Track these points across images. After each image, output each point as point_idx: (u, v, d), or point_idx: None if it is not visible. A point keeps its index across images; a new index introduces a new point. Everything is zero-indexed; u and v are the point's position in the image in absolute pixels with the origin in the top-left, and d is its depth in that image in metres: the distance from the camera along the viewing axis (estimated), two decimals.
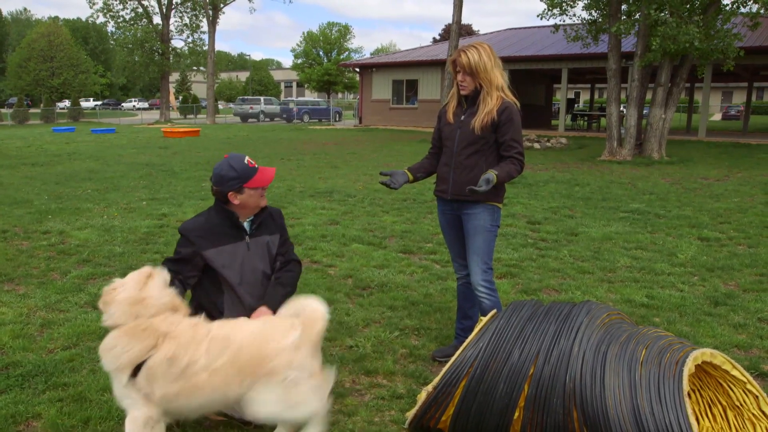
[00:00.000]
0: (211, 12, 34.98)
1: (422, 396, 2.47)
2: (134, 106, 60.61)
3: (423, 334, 3.78)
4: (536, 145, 17.88)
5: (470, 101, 3.22)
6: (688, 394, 2.69)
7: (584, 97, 53.12)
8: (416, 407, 2.48)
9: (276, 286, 2.87)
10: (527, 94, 29.08)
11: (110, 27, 39.31)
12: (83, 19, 60.23)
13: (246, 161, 2.79)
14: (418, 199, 8.54)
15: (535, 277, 4.98)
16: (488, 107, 3.13)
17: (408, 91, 28.78)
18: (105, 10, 35.62)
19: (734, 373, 2.44)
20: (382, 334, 3.74)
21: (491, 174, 2.98)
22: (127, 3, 35.95)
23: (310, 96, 64.32)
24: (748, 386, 2.45)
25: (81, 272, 4.93)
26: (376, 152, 16.25)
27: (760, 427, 2.43)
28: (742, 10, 14.54)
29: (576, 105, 42.31)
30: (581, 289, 4.66)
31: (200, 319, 2.48)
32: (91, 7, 37.41)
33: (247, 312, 2.77)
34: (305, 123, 36.45)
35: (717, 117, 49.21)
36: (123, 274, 4.80)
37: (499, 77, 3.14)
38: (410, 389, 3.03)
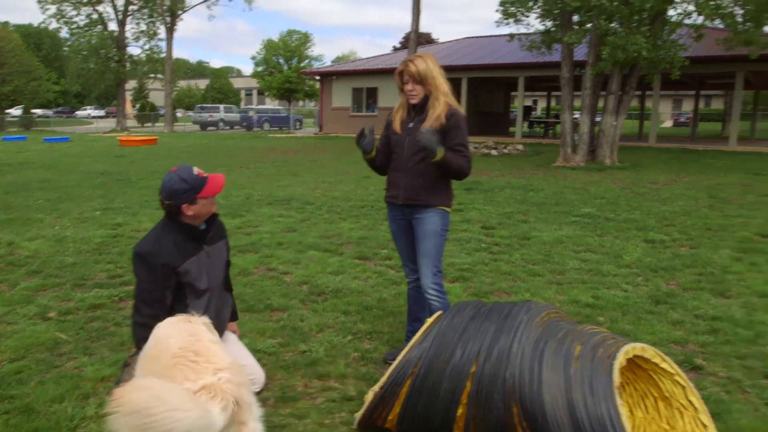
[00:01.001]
0: (168, 19, 34.54)
1: (369, 396, 2.55)
2: (89, 114, 59.22)
3: (375, 337, 3.85)
4: (494, 152, 18.20)
5: (418, 109, 3.33)
6: (623, 387, 2.84)
7: (542, 104, 54.24)
8: (364, 407, 2.55)
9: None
10: (486, 101, 29.55)
11: (64, 33, 38.47)
12: (35, 25, 58.76)
13: (196, 172, 2.82)
14: (376, 206, 8.63)
15: (487, 280, 5.12)
16: (437, 111, 3.24)
17: (368, 99, 28.94)
18: (58, 16, 34.80)
19: (663, 365, 2.59)
20: (335, 338, 3.80)
21: (441, 148, 3.10)
22: (81, 9, 35.21)
23: (271, 104, 63.97)
24: (676, 378, 2.59)
25: (30, 284, 4.85)
26: (335, 160, 16.31)
27: (687, 415, 2.58)
28: (687, 21, 15.14)
29: (533, 112, 43.18)
30: (531, 291, 4.81)
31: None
32: (43, 13, 36.69)
33: (214, 318, 2.84)
34: (265, 131, 36.25)
35: (668, 124, 50.87)
36: (75, 285, 4.79)
37: (444, 84, 3.26)
38: (361, 391, 3.09)
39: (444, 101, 3.25)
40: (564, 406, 2.30)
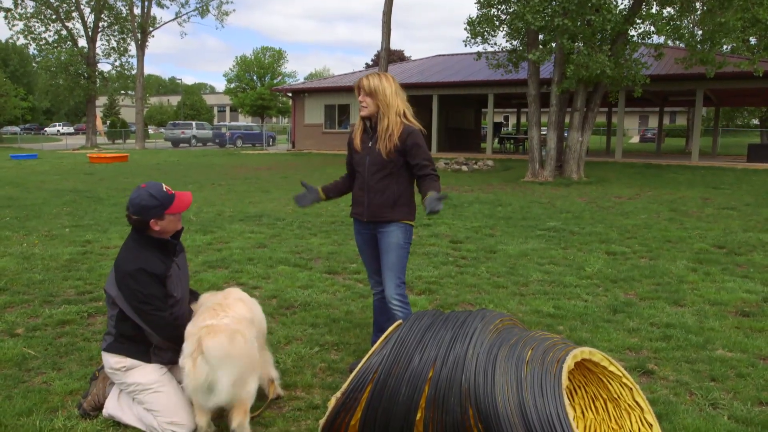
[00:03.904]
0: (139, 35, 34.41)
1: (332, 402, 2.64)
2: (58, 131, 58.41)
3: (342, 348, 3.95)
4: (464, 168, 18.48)
5: (374, 127, 3.46)
6: (575, 390, 2.98)
7: (513, 120, 55.11)
8: (327, 414, 2.64)
9: None
10: (456, 118, 29.98)
11: (32, 49, 37.93)
12: (2, 41, 57.91)
13: (164, 189, 2.92)
14: (346, 221, 8.75)
15: (452, 292, 5.25)
16: (384, 127, 3.36)
17: (340, 116, 29.15)
18: (26, 32, 34.36)
19: (611, 368, 2.74)
20: (303, 350, 3.89)
21: (435, 194, 3.16)
22: (49, 25, 34.81)
23: (244, 120, 63.85)
24: (624, 380, 2.75)
25: None
26: (307, 176, 16.41)
27: (635, 415, 2.73)
28: (647, 41, 15.68)
29: (504, 128, 43.88)
30: (494, 303, 4.96)
31: None
32: (10, 29, 36.17)
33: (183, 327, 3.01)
34: (238, 148, 36.18)
35: (635, 139, 52.08)
36: (43, 302, 4.79)
37: (400, 104, 3.38)
38: (326, 399, 3.19)
39: (397, 120, 3.37)
40: (516, 408, 2.43)
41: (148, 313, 2.83)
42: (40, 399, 3.13)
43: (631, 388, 2.75)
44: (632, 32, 15.19)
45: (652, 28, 15.10)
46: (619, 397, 2.78)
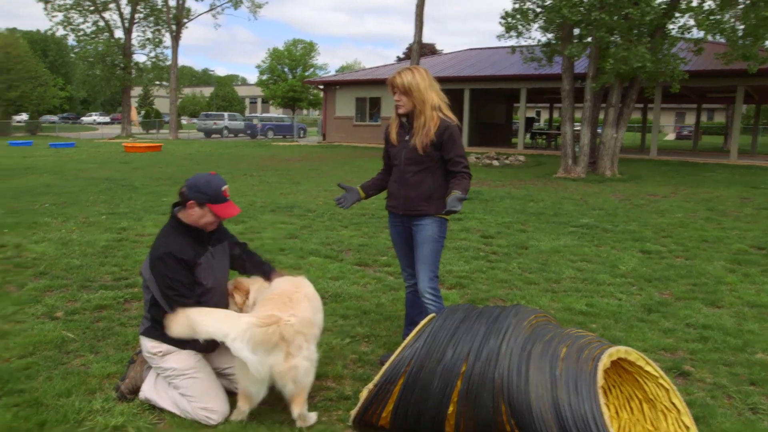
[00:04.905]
0: (174, 27, 34.85)
1: (364, 394, 2.65)
2: (95, 120, 59.66)
3: (373, 340, 3.96)
4: (495, 163, 18.33)
5: (411, 122, 3.45)
6: (610, 389, 2.94)
7: (545, 115, 54.40)
8: (358, 405, 2.66)
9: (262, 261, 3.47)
10: (488, 112, 29.73)
11: (71, 40, 38.79)
12: (42, 31, 59.25)
13: (223, 189, 3.00)
14: (377, 214, 8.75)
15: (483, 287, 5.22)
16: (421, 123, 3.35)
17: (371, 109, 29.14)
18: (65, 23, 35.12)
19: (648, 369, 2.69)
20: (334, 341, 3.91)
21: (459, 193, 3.19)
22: (88, 16, 35.54)
23: (275, 112, 64.31)
24: (660, 381, 2.70)
25: (38, 285, 4.97)
26: (338, 169, 16.46)
27: (671, 417, 2.68)
28: (687, 35, 15.31)
29: (536, 123, 43.36)
30: (526, 299, 4.91)
31: None
32: (50, 20, 37.03)
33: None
34: (269, 139, 36.46)
35: (671, 136, 51.01)
36: (81, 287, 4.90)
37: (435, 97, 3.35)
38: (357, 391, 3.20)
39: (434, 115, 3.34)
40: (549, 405, 2.41)
41: (172, 299, 2.87)
42: (78, 381, 3.20)
43: (667, 390, 2.70)
44: (671, 26, 14.83)
45: (692, 22, 14.73)
46: (655, 398, 2.73)
